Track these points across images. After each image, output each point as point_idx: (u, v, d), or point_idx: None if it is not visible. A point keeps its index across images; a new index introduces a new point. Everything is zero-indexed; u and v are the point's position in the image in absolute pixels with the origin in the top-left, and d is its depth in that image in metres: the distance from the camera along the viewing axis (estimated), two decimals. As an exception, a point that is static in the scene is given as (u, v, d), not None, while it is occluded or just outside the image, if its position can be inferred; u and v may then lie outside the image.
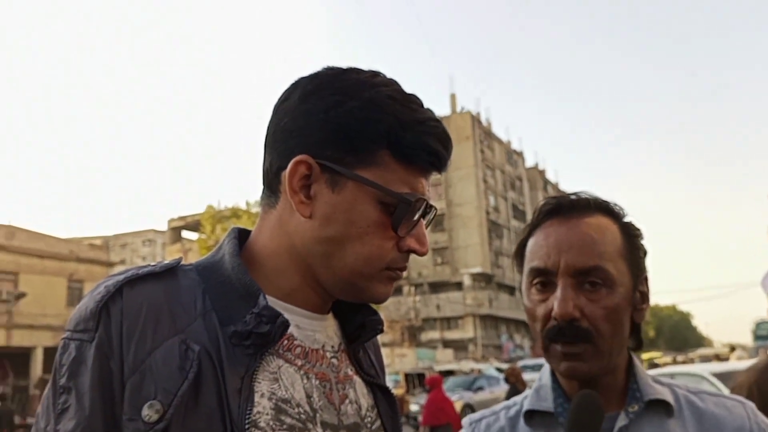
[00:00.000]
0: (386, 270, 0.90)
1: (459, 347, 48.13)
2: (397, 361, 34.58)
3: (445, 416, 8.74)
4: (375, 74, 0.91)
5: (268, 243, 0.93)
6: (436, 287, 53.02)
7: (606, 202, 1.16)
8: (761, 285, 2.37)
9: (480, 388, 20.76)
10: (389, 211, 0.87)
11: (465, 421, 1.26)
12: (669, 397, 1.12)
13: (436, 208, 0.95)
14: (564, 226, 1.11)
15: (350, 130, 0.86)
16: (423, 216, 0.92)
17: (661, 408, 1.11)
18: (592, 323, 1.06)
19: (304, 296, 0.93)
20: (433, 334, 51.04)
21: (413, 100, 0.90)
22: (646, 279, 1.16)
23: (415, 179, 0.89)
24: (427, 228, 0.97)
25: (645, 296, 1.16)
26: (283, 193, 0.90)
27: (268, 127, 0.93)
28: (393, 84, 0.91)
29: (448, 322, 52.26)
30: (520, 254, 1.19)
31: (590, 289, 1.07)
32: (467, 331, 50.81)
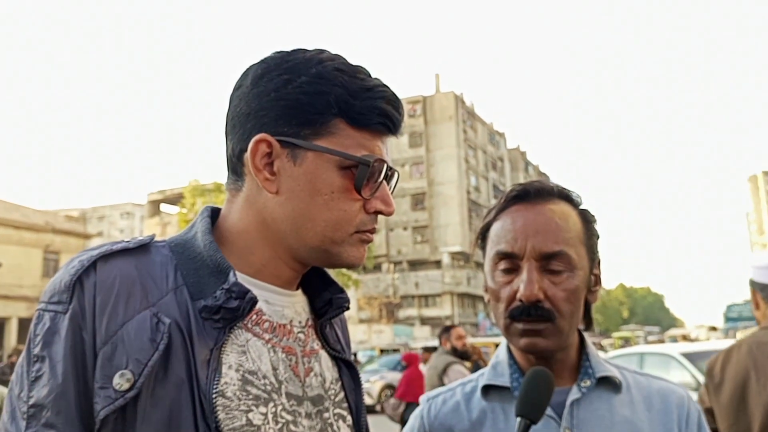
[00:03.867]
0: (356, 233, 0.94)
1: (436, 324, 48.48)
2: (375, 337, 34.80)
3: (421, 393, 8.82)
4: (321, 51, 0.95)
5: (237, 222, 0.96)
6: (415, 265, 53.23)
7: (567, 189, 1.22)
8: (754, 274, 2.31)
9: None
10: (351, 175, 0.92)
11: (422, 398, 1.32)
12: (618, 375, 1.19)
13: (397, 171, 1.00)
14: (530, 211, 1.16)
15: (302, 104, 0.91)
16: (386, 178, 0.96)
17: (610, 385, 1.17)
18: (554, 304, 1.12)
19: (274, 271, 0.97)
20: (411, 311, 51.38)
21: (360, 70, 0.94)
22: (599, 263, 1.23)
23: (372, 142, 0.93)
24: (392, 191, 1.02)
25: (598, 279, 1.22)
26: (248, 175, 0.94)
27: (226, 116, 0.97)
28: (339, 58, 0.95)
29: (426, 299, 52.60)
30: (483, 236, 1.23)
31: (553, 273, 1.13)
32: (445, 308, 51.21)
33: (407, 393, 8.40)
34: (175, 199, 47.66)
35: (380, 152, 0.94)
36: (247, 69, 0.96)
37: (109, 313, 0.82)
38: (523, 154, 71.37)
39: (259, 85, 0.93)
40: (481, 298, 54.78)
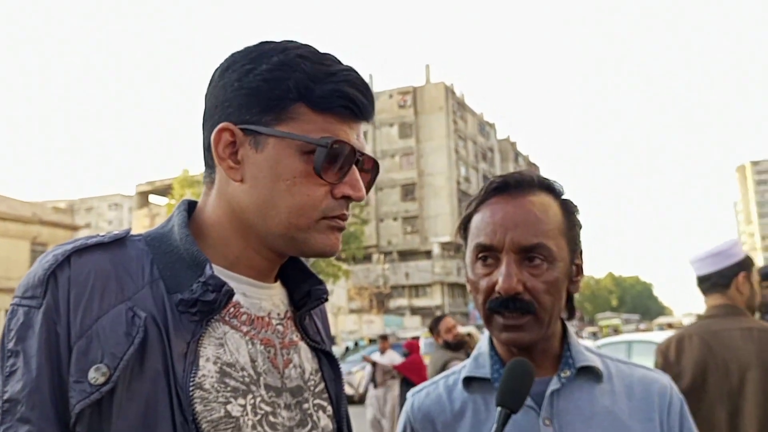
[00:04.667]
0: (323, 219, 0.93)
1: (426, 314, 48.64)
2: (365, 328, 34.86)
3: (421, 381, 8.86)
4: (287, 41, 0.95)
5: (211, 214, 0.96)
6: (406, 255, 53.30)
7: (548, 180, 1.21)
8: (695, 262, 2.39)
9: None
10: (313, 160, 0.90)
11: (408, 394, 1.32)
12: (599, 365, 1.19)
13: (370, 157, 0.98)
14: (510, 204, 1.16)
15: (262, 91, 0.90)
16: (355, 163, 0.94)
17: (591, 374, 1.18)
18: (534, 296, 1.12)
19: (249, 262, 0.96)
20: (402, 302, 51.51)
21: (327, 57, 0.93)
22: (581, 253, 1.23)
23: (335, 126, 0.92)
24: (372, 180, 1.00)
25: (580, 269, 1.22)
26: (217, 166, 0.94)
27: (202, 112, 0.97)
28: (305, 47, 0.94)
29: (417, 289, 52.73)
30: (465, 227, 1.23)
31: (532, 265, 1.13)
32: (435, 298, 51.38)
33: (406, 369, 8.41)
34: (164, 191, 47.41)
35: (346, 136, 0.92)
36: (218, 65, 0.97)
37: (84, 307, 0.82)
38: (513, 144, 71.47)
39: (224, 77, 0.94)
40: (471, 288, 55.04)
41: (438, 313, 49.32)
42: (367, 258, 49.19)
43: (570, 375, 1.17)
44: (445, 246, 52.50)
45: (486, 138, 64.30)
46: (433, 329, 6.32)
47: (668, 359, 2.34)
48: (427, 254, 52.45)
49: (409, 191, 53.99)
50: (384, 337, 10.55)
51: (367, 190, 1.00)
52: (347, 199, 0.94)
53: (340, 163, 0.92)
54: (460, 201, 54.70)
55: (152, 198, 54.32)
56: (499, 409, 1.03)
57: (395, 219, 53.42)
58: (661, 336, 8.48)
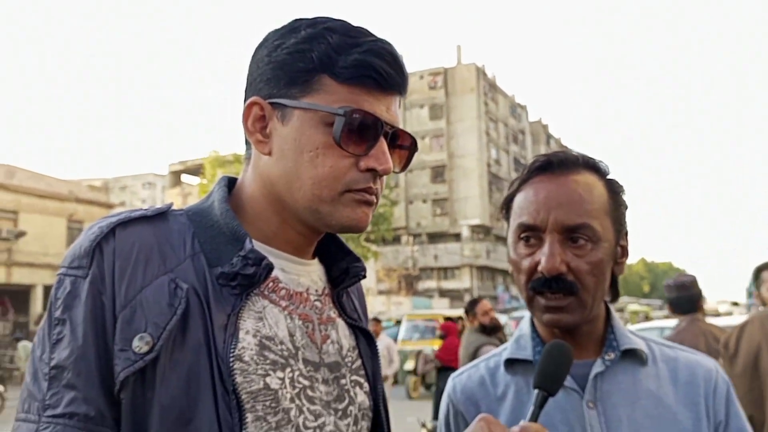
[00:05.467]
0: (348, 192, 0.91)
1: (455, 297, 48.68)
2: (394, 309, 35.01)
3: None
4: (319, 16, 0.94)
5: (247, 188, 0.97)
6: (435, 237, 53.24)
7: (593, 159, 1.19)
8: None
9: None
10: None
11: (450, 377, 1.31)
12: (644, 347, 1.17)
13: (405, 132, 0.96)
14: (553, 183, 1.14)
15: (287, 64, 0.90)
16: (384, 135, 0.92)
17: (636, 357, 1.16)
18: (577, 277, 1.10)
19: (286, 237, 0.97)
20: (430, 284, 51.54)
21: (356, 29, 0.92)
22: (626, 234, 1.20)
23: (361, 98, 0.90)
24: (410, 158, 0.98)
25: (625, 250, 1.20)
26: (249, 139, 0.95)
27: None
28: (336, 21, 0.93)
29: (445, 272, 52.69)
30: (507, 207, 1.21)
31: (576, 245, 1.10)
32: (464, 281, 51.31)
33: (445, 356, 8.26)
34: (196, 170, 47.98)
35: (370, 107, 0.90)
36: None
37: (128, 278, 0.83)
38: (545, 126, 70.60)
39: (257, 54, 0.95)
40: (501, 271, 54.88)
41: (467, 296, 49.28)
42: (396, 240, 49.27)
43: (614, 357, 1.15)
44: (474, 228, 52.30)
45: (517, 120, 63.61)
46: (469, 311, 6.15)
47: (728, 342, 2.44)
48: (456, 237, 52.31)
49: (438, 173, 53.76)
50: (376, 320, 10.12)
51: (405, 167, 0.99)
52: (373, 172, 0.91)
53: (364, 134, 0.89)
54: (491, 183, 54.37)
55: (184, 177, 55.03)
56: (536, 391, 1.02)
57: (425, 201, 53.31)
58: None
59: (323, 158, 0.89)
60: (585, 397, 1.11)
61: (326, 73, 0.89)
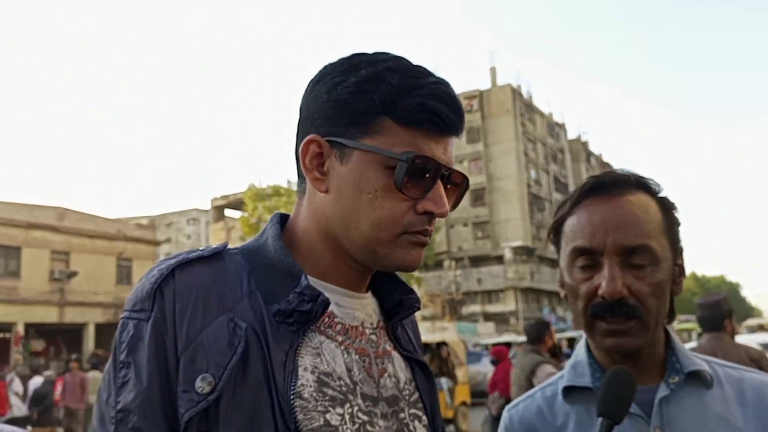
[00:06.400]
0: (404, 234, 0.91)
1: (500, 320, 48.04)
2: (439, 335, 34.66)
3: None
4: (379, 53, 0.94)
5: (301, 224, 0.98)
6: (477, 261, 52.81)
7: (644, 178, 1.17)
8: None
9: None
10: (394, 174, 0.89)
11: (504, 410, 1.28)
12: (707, 369, 1.13)
13: (459, 172, 0.96)
14: (608, 204, 1.12)
15: (348, 104, 0.90)
16: (441, 178, 0.92)
17: (700, 380, 1.12)
18: (639, 300, 1.07)
19: (340, 273, 0.97)
20: (474, 308, 51.00)
21: (417, 69, 0.92)
22: (682, 252, 1.17)
23: (421, 141, 0.90)
24: (461, 195, 0.98)
25: (682, 269, 1.17)
26: (305, 175, 0.95)
27: (296, 122, 0.99)
28: (397, 59, 0.93)
29: (489, 295, 52.10)
30: (557, 231, 1.20)
31: (636, 267, 1.08)
32: (508, 304, 50.63)
33: (507, 387, 8.05)
34: (238, 204, 48.74)
35: (430, 151, 0.90)
36: (312, 76, 0.98)
37: (189, 319, 0.84)
38: (585, 144, 69.83)
39: (315, 89, 0.95)
40: (546, 292, 54.04)
41: (512, 319, 48.41)
42: (439, 264, 49.05)
43: (679, 381, 1.11)
44: (517, 250, 51.72)
45: (556, 139, 63.10)
46: (543, 333, 5.70)
47: None
48: (499, 259, 51.81)
49: (478, 196, 53.52)
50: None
51: (456, 204, 0.99)
52: (430, 214, 0.92)
53: (423, 178, 0.90)
54: (531, 204, 53.86)
55: (227, 212, 55.95)
56: (600, 419, 0.99)
57: (465, 225, 53.05)
58: (753, 339, 8.05)
59: (382, 201, 0.90)
60: (652, 423, 1.07)
61: (387, 115, 0.89)
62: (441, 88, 0.91)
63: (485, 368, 16.95)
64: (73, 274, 28.03)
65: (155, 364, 0.82)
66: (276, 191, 35.48)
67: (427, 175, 0.91)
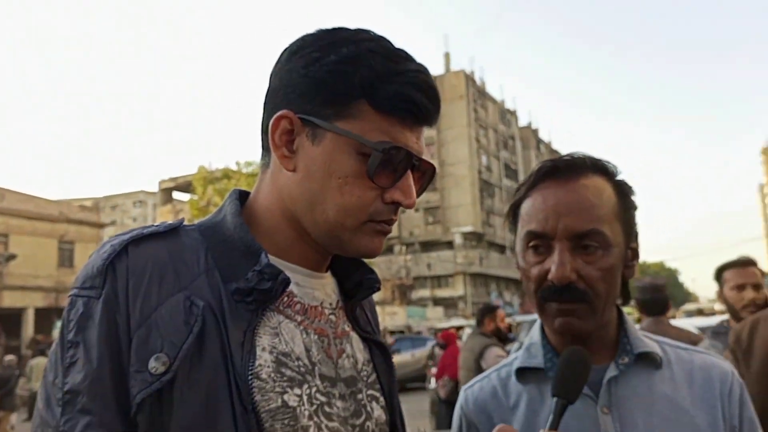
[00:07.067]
0: (370, 222, 0.91)
1: (449, 305, 48.66)
2: (388, 319, 34.93)
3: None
4: (360, 31, 0.92)
5: (263, 201, 0.95)
6: (427, 246, 53.25)
7: (601, 161, 1.17)
8: None
9: (396, 351, 18.68)
10: (367, 161, 0.88)
11: (461, 390, 1.30)
12: (658, 350, 1.15)
13: (428, 161, 0.95)
14: (562, 188, 1.12)
15: (326, 83, 0.88)
16: (410, 168, 0.92)
17: (650, 361, 1.14)
18: (588, 284, 1.08)
19: (300, 252, 0.95)
20: (424, 293, 51.49)
21: (398, 54, 0.90)
22: (636, 236, 1.18)
23: (396, 130, 0.89)
24: (427, 184, 0.98)
25: (635, 252, 1.18)
26: (272, 151, 0.92)
27: (265, 91, 0.95)
28: (378, 40, 0.91)
29: (439, 280, 52.67)
30: (514, 214, 1.20)
31: (587, 252, 1.09)
32: (457, 289, 51.29)
33: (455, 370, 8.16)
34: (187, 186, 47.85)
35: (405, 140, 0.89)
36: (288, 45, 0.94)
37: (143, 296, 0.81)
38: (535, 132, 70.92)
39: (291, 61, 0.91)
40: (494, 277, 54.93)
41: (461, 304, 48.97)
42: (389, 249, 49.24)
43: (628, 362, 1.13)
44: (467, 236, 52.35)
45: (507, 126, 63.89)
46: (485, 316, 5.90)
47: (740, 338, 2.37)
48: (449, 245, 52.35)
49: (429, 182, 53.73)
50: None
51: (421, 192, 0.98)
52: (397, 204, 0.91)
53: (395, 168, 0.89)
54: (482, 190, 54.52)
55: (175, 194, 54.83)
56: (555, 399, 1.01)
57: (417, 210, 53.25)
58: (691, 323, 8.36)
59: (352, 187, 0.88)
60: (599, 403, 1.09)
61: (365, 99, 0.87)
62: (420, 76, 0.90)
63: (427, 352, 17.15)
64: (11, 257, 27.05)
65: (106, 344, 0.79)
66: (226, 174, 34.87)
67: (399, 166, 0.90)
